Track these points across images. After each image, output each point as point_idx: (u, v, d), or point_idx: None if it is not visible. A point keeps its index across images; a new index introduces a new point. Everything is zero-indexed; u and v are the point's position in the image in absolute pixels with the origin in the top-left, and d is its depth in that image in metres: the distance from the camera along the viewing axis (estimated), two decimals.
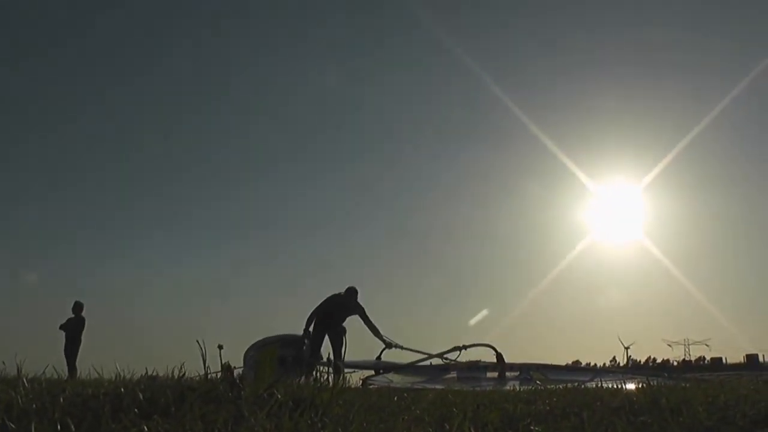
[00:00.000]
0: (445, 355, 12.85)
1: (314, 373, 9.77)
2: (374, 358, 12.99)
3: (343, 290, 13.02)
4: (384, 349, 12.89)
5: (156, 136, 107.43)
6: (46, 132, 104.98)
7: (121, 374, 4.44)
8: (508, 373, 12.18)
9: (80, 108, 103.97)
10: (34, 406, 2.97)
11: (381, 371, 12.35)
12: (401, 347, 12.85)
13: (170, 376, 4.14)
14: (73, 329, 16.07)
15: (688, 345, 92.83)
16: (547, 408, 3.90)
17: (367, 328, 12.78)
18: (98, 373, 4.84)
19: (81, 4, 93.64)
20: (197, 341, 4.47)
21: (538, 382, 10.21)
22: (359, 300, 12.92)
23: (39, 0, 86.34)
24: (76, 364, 15.42)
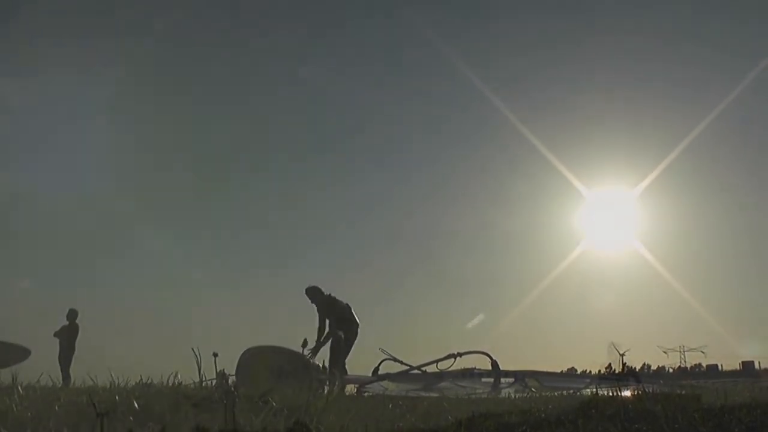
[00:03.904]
0: (438, 364, 12.85)
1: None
2: (371, 372, 13.01)
3: (332, 295, 13.08)
4: (382, 361, 12.94)
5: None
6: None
7: (116, 382, 4.42)
8: (503, 380, 12.17)
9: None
10: (29, 414, 2.96)
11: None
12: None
13: (165, 383, 4.13)
14: (68, 337, 16.01)
15: (684, 352, 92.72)
16: (542, 415, 3.90)
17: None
18: (93, 381, 4.82)
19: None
20: (192, 349, 4.45)
21: (533, 389, 10.20)
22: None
23: None
24: (70, 371, 15.36)
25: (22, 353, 15.82)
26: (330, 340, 12.74)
